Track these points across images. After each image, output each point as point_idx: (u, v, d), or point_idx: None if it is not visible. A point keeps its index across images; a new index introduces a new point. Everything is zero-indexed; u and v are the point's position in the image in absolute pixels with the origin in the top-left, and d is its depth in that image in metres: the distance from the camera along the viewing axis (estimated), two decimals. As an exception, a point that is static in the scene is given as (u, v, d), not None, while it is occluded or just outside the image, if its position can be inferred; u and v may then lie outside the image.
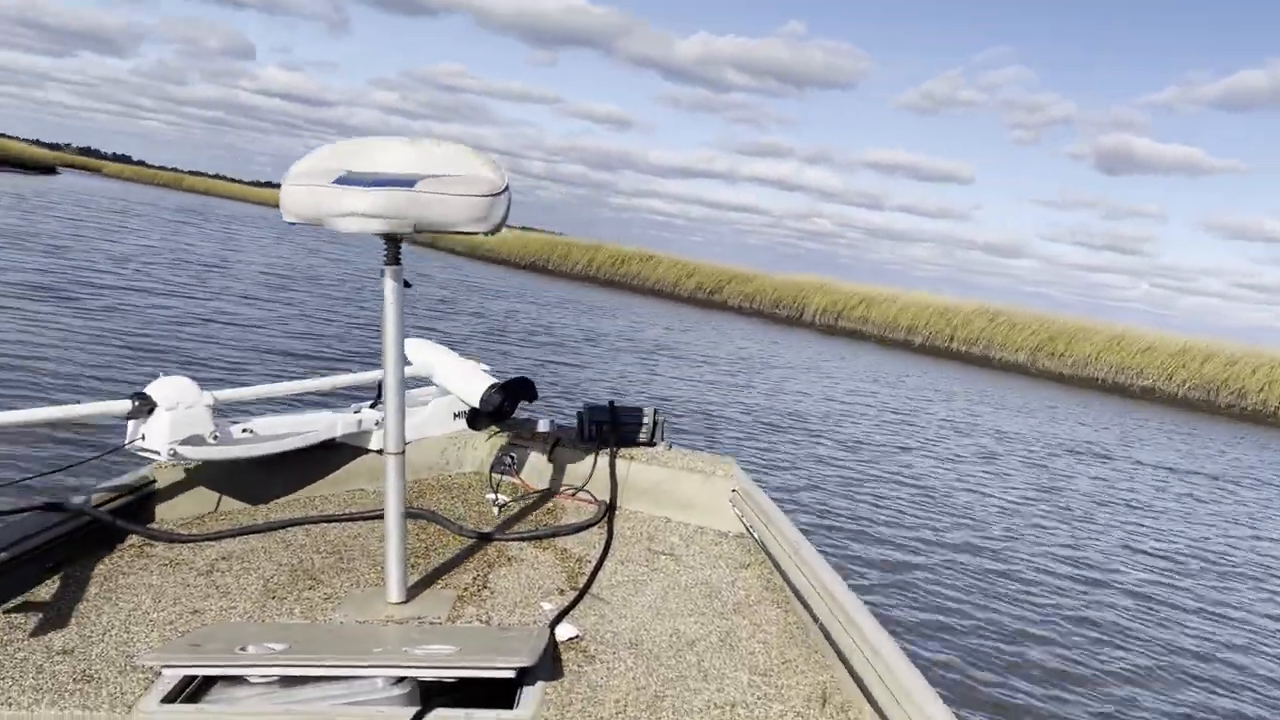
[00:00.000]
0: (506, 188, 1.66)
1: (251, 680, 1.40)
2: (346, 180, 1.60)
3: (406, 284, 1.73)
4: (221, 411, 2.15)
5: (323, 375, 2.60)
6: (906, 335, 30.65)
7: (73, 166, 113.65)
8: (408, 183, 1.58)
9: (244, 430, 2.22)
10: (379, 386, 2.50)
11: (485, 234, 1.64)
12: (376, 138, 1.77)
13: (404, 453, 1.76)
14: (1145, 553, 7.39)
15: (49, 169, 66.93)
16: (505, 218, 1.67)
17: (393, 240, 1.68)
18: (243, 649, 1.42)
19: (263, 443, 2.23)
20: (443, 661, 1.40)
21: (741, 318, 33.07)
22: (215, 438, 2.10)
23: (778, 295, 35.11)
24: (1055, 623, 5.28)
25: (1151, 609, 5.88)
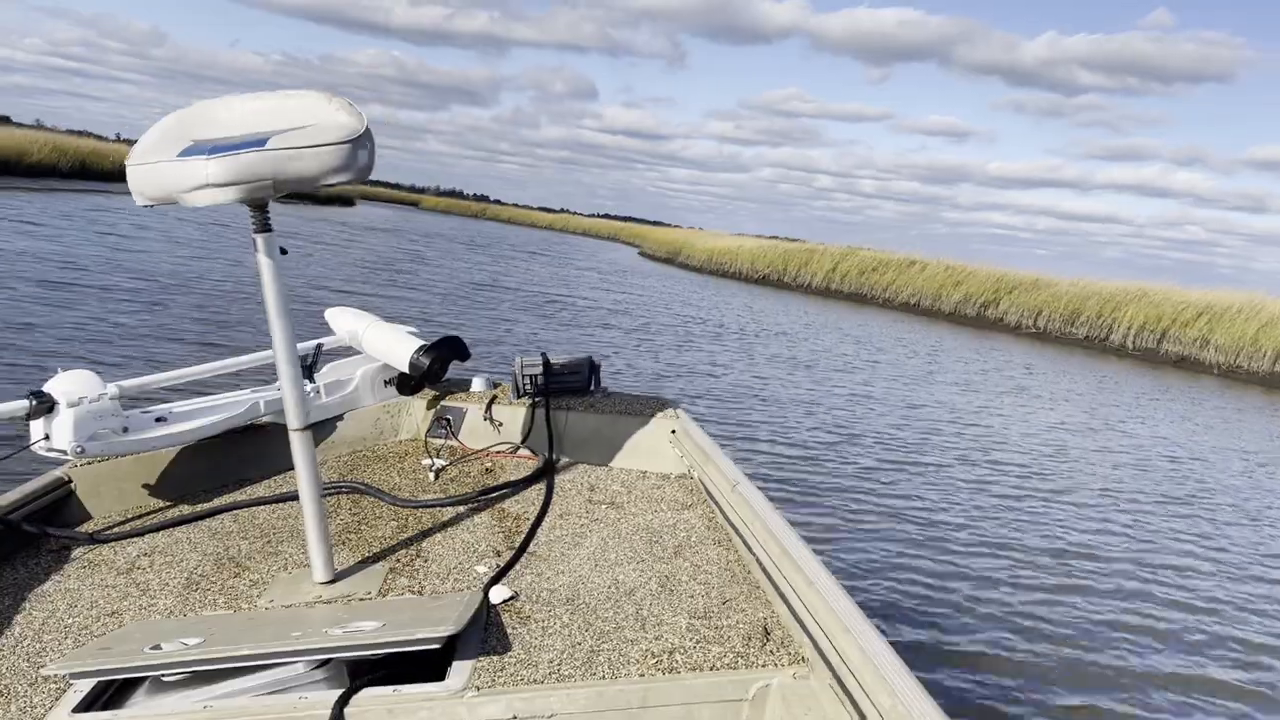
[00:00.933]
0: (366, 130, 1.56)
1: (167, 679, 1.38)
2: (191, 151, 1.50)
3: (282, 250, 1.66)
4: (132, 402, 2.11)
5: (241, 354, 2.50)
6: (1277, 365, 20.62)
7: (396, 201, 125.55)
8: (258, 143, 1.49)
9: (157, 419, 2.17)
10: (303, 360, 2.42)
11: (351, 182, 1.56)
12: (224, 97, 1.66)
13: (310, 427, 1.71)
14: None
15: (348, 201, 73.71)
16: (370, 162, 1.57)
17: (257, 206, 1.62)
18: (155, 648, 1.38)
19: (180, 430, 2.18)
20: (364, 639, 1.37)
21: (1021, 339, 24.64)
22: (125, 430, 2.06)
23: (1073, 308, 26.00)
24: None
25: None
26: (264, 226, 1.64)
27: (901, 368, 15.18)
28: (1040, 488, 7.58)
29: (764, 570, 1.66)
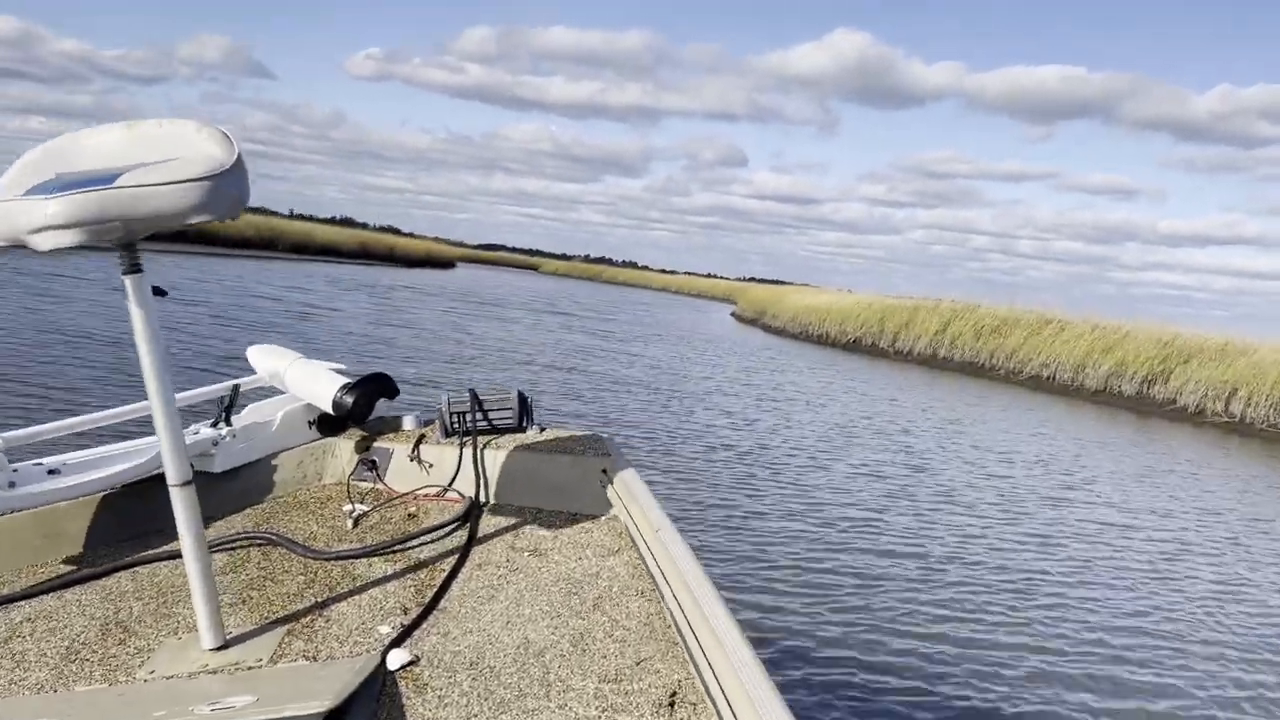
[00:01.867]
0: (236, 163, 1.43)
1: None
2: (38, 189, 1.39)
3: (159, 291, 1.56)
4: (19, 454, 2.05)
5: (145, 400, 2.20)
6: None
7: (516, 265, 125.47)
8: (106, 180, 1.37)
9: (50, 471, 2.08)
10: (220, 401, 2.40)
11: (218, 220, 1.43)
12: (91, 128, 1.58)
13: (191, 483, 1.61)
14: None
15: (449, 264, 73.85)
16: (240, 199, 1.44)
17: (123, 245, 1.49)
18: None
19: (76, 482, 2.07)
20: (233, 717, 1.31)
21: (1205, 431, 16.71)
22: (13, 485, 1.99)
23: (1288, 386, 17.73)
24: None
25: None
26: (133, 267, 1.50)
27: (1065, 504, 8.47)
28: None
29: (677, 627, 1.56)
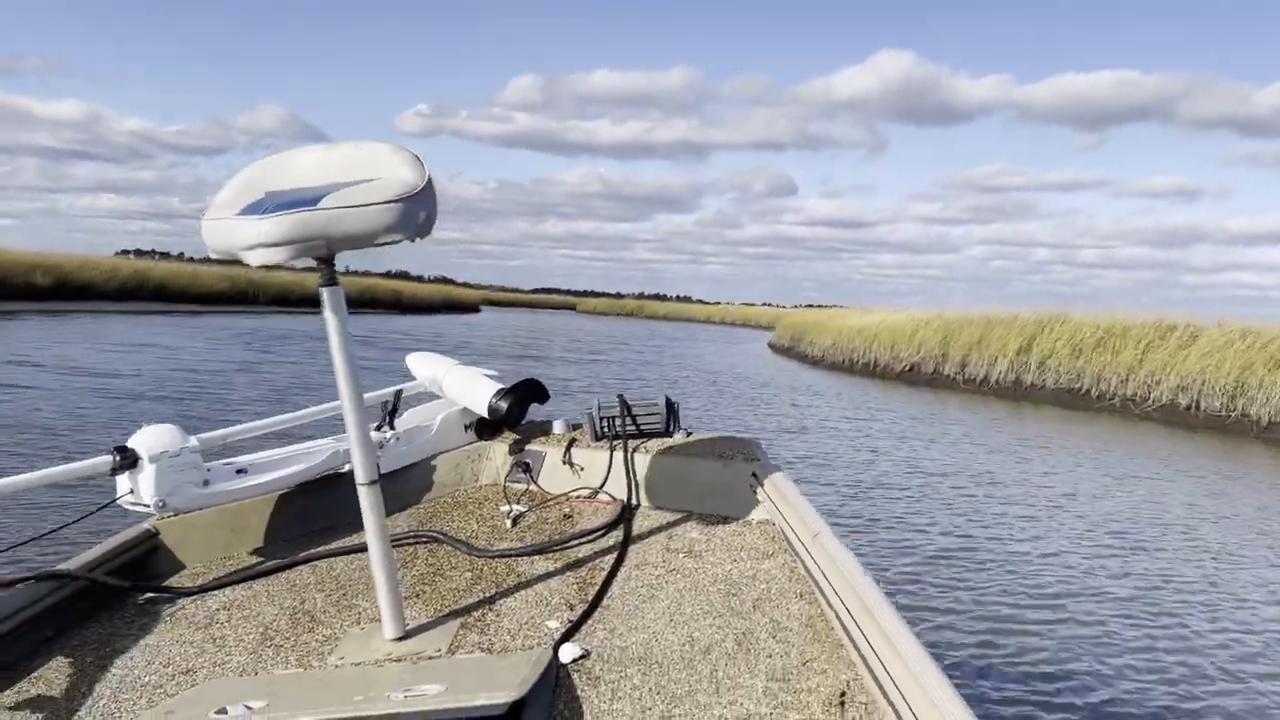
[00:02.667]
0: (427, 185, 1.53)
1: None
2: (252, 209, 1.50)
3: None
4: (213, 455, 2.16)
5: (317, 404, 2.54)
6: None
7: (554, 306, 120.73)
8: (310, 201, 1.47)
9: (238, 470, 2.20)
10: (384, 406, 2.49)
11: (411, 239, 1.53)
12: (296, 149, 1.70)
13: (378, 481, 1.69)
14: None
15: (474, 308, 71.42)
16: (429, 222, 1.55)
17: (322, 260, 1.59)
18: (220, 711, 1.40)
19: (260, 481, 2.20)
20: (426, 704, 1.36)
21: None
22: (207, 483, 2.09)
23: None
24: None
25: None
26: (330, 280, 1.60)
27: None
28: None
29: (844, 629, 1.53)
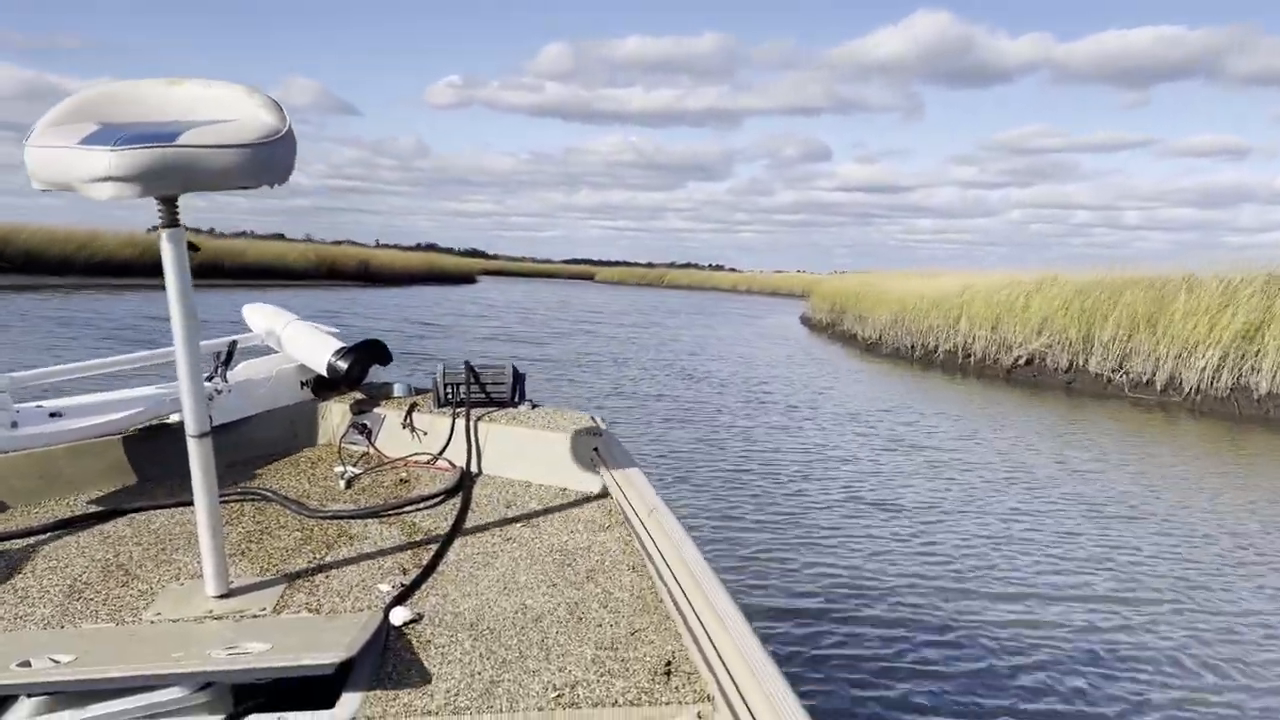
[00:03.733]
0: (288, 131, 1.46)
1: (30, 698, 1.29)
2: (94, 139, 1.36)
3: (193, 247, 1.51)
4: (25, 396, 2.10)
5: (147, 349, 2.48)
6: None
7: (572, 276, 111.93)
8: (168, 136, 1.36)
9: (51, 414, 2.12)
10: (216, 356, 2.42)
11: (270, 185, 1.46)
12: (135, 80, 1.58)
13: (209, 434, 1.60)
14: None
15: (468, 279, 63.03)
16: (288, 167, 1.48)
17: (165, 200, 1.46)
18: (24, 664, 1.31)
19: (75, 426, 2.13)
20: (250, 662, 1.31)
21: None
22: (15, 425, 2.03)
23: None
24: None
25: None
26: (172, 221, 1.47)
27: None
28: None
29: (674, 601, 1.55)
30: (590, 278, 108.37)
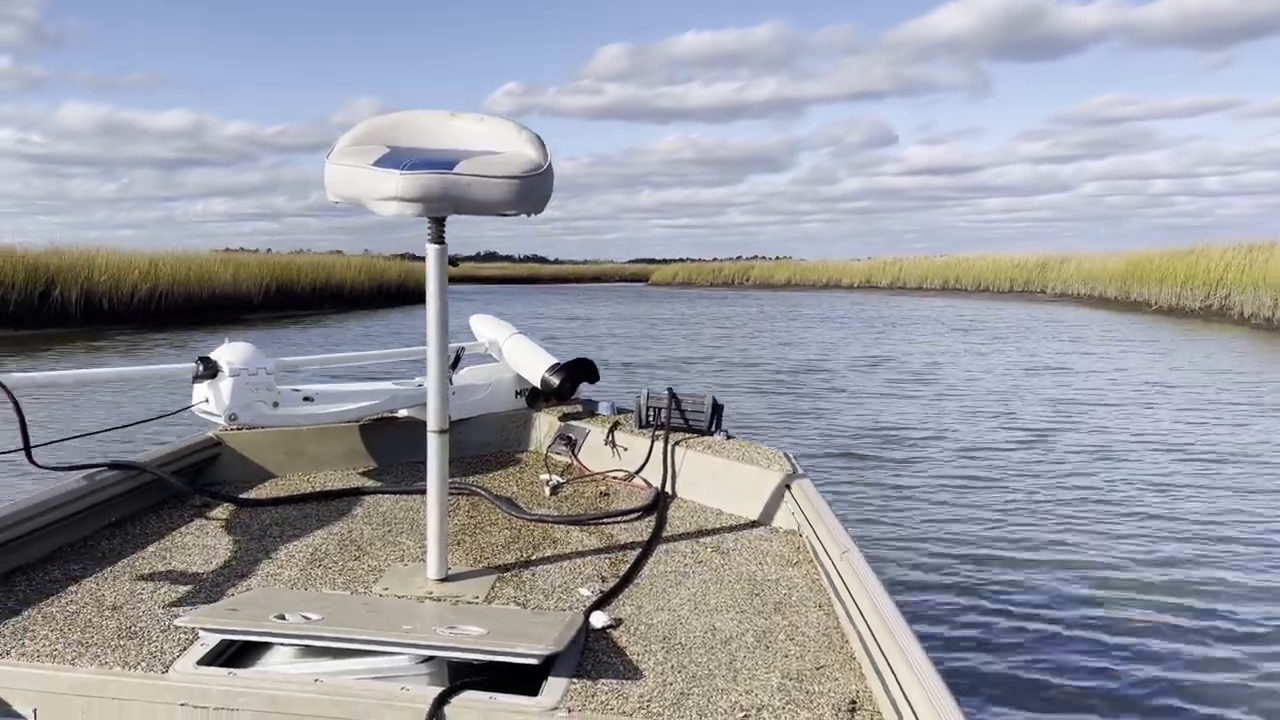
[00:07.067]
0: (549, 166, 1.64)
1: (283, 647, 1.44)
2: (385, 162, 1.57)
3: (453, 262, 1.71)
4: (284, 379, 2.35)
5: (392, 347, 2.84)
6: None
7: (631, 278, 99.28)
8: (447, 164, 1.56)
9: (305, 398, 2.37)
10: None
11: (528, 214, 1.63)
12: (418, 111, 1.78)
13: (448, 431, 1.76)
14: None
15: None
16: (546, 197, 1.65)
17: (435, 220, 1.67)
18: (280, 616, 1.45)
19: (324, 411, 2.39)
20: (470, 643, 1.40)
21: None
22: (276, 405, 2.28)
23: None
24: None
25: None
26: (438, 239, 1.67)
27: None
28: None
29: (862, 642, 1.55)
30: (645, 279, 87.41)
